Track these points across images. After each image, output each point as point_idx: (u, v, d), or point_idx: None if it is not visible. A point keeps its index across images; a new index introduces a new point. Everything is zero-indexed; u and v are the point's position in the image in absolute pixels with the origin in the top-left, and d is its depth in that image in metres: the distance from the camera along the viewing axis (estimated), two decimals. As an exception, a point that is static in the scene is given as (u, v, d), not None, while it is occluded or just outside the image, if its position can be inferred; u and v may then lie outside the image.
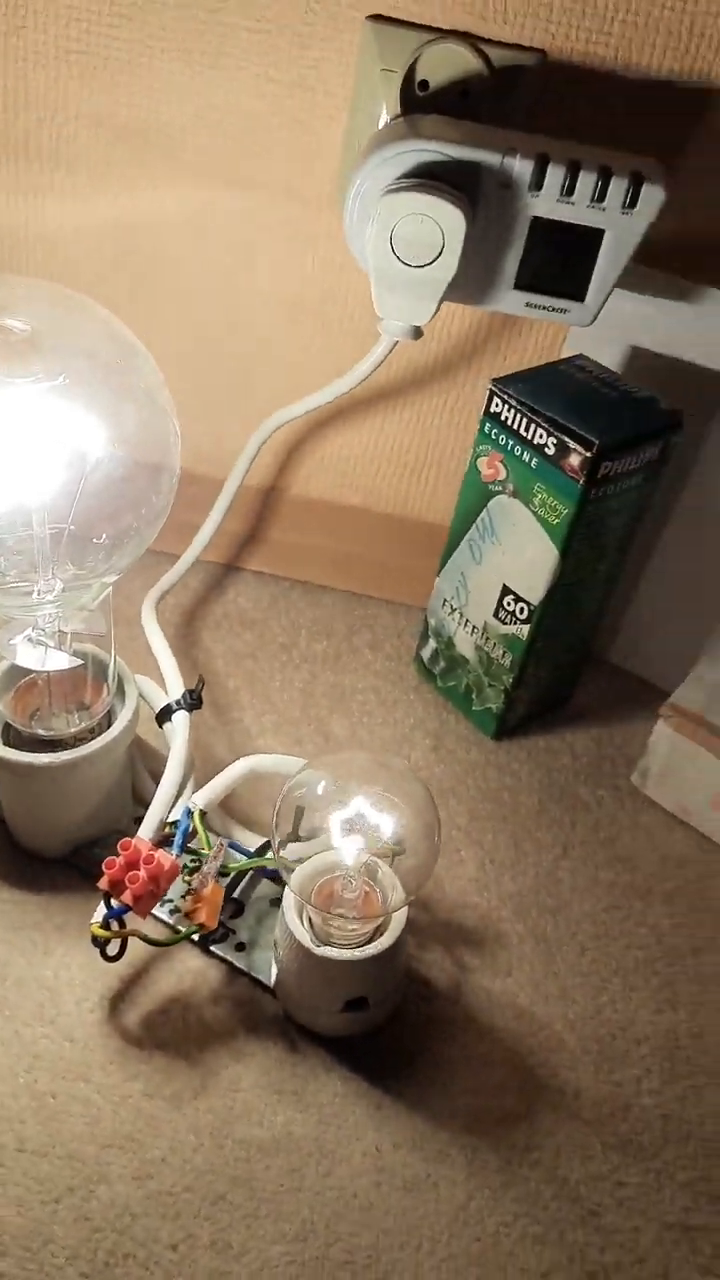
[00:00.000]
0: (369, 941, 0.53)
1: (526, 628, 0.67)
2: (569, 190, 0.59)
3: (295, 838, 0.55)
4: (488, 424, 0.65)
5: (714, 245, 0.67)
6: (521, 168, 0.58)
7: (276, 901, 0.60)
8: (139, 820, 0.62)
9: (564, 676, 0.75)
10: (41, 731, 0.58)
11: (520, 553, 0.65)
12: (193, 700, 0.60)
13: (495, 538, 0.67)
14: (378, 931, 0.53)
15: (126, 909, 0.53)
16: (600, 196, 0.59)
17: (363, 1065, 0.55)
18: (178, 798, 0.58)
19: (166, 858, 0.53)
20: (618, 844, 0.68)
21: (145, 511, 0.52)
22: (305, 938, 0.52)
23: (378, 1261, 0.49)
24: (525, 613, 0.67)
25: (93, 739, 0.57)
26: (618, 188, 0.58)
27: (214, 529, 0.74)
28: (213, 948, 0.58)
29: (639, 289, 0.66)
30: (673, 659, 0.74)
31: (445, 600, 0.72)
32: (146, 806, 0.63)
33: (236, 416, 0.75)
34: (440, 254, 0.59)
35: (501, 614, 0.68)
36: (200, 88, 0.64)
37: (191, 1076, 0.54)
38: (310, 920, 0.54)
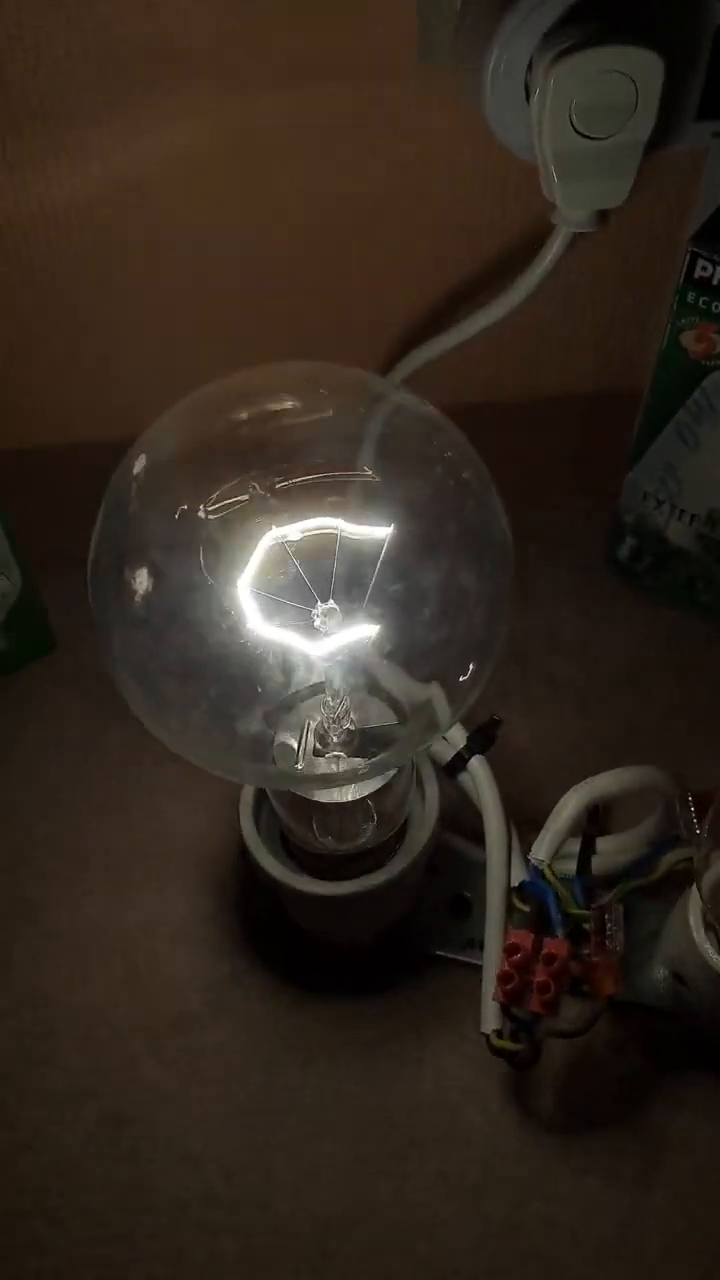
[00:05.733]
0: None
1: (771, 505, 0.58)
2: (764, -21, 0.45)
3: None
4: (691, 292, 0.53)
5: None
6: (706, -32, 0.45)
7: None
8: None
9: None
10: (333, 842, 0.48)
11: (757, 428, 0.55)
12: (486, 740, 0.51)
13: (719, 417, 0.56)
14: None
15: (538, 1018, 0.45)
16: None
17: None
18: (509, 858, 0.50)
19: (558, 945, 0.45)
20: None
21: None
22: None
23: None
24: (768, 491, 0.57)
25: (396, 847, 0.48)
26: None
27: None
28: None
29: None
30: None
31: (646, 494, 0.62)
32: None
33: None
34: (635, 112, 0.45)
35: (734, 497, 0.59)
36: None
37: (641, 1146, 0.48)
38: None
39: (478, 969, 0.50)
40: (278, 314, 0.61)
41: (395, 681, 0.45)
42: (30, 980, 0.52)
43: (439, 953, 0.53)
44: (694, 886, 0.48)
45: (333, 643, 0.38)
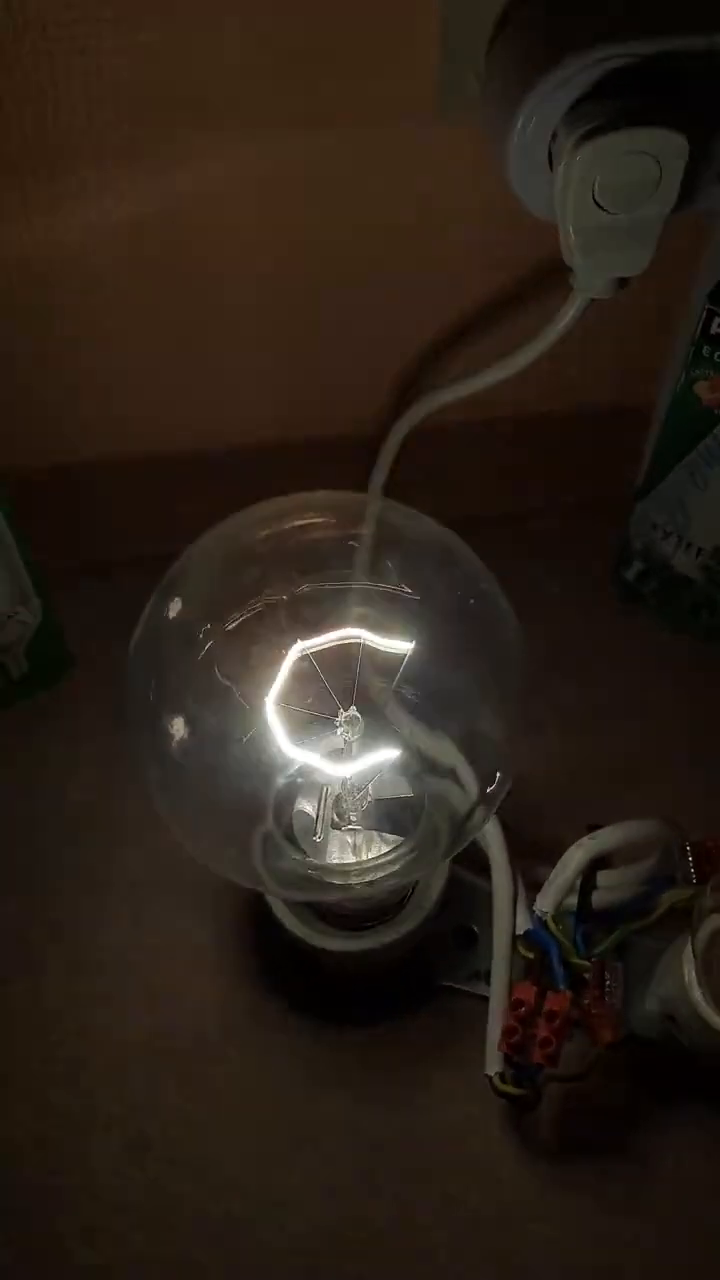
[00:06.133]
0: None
1: (778, 550, 0.59)
2: None
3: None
4: (706, 347, 0.53)
5: None
6: (737, 42, 0.44)
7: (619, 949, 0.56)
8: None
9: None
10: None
11: (767, 478, 0.56)
12: (495, 794, 0.53)
13: (729, 465, 0.57)
14: None
15: (539, 1067, 0.48)
16: None
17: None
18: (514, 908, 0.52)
19: (559, 1000, 0.48)
20: None
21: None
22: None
23: None
24: (775, 536, 0.58)
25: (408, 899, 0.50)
26: None
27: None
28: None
29: None
30: None
31: (655, 524, 0.63)
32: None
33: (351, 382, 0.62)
34: (658, 189, 0.45)
35: (742, 538, 0.60)
36: (240, 13, 0.47)
37: (629, 1171, 0.51)
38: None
39: (483, 1000, 0.52)
40: (291, 348, 0.61)
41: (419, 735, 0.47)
42: (56, 1004, 0.55)
43: (445, 983, 0.56)
44: (690, 940, 0.50)
45: (357, 765, 0.39)
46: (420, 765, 0.47)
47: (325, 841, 0.46)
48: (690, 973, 0.50)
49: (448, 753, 0.47)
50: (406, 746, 0.42)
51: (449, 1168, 0.52)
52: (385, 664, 0.39)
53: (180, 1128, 0.52)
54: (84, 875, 0.59)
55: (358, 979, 0.56)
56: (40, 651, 0.62)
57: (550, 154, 0.46)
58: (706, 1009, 0.49)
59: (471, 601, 0.40)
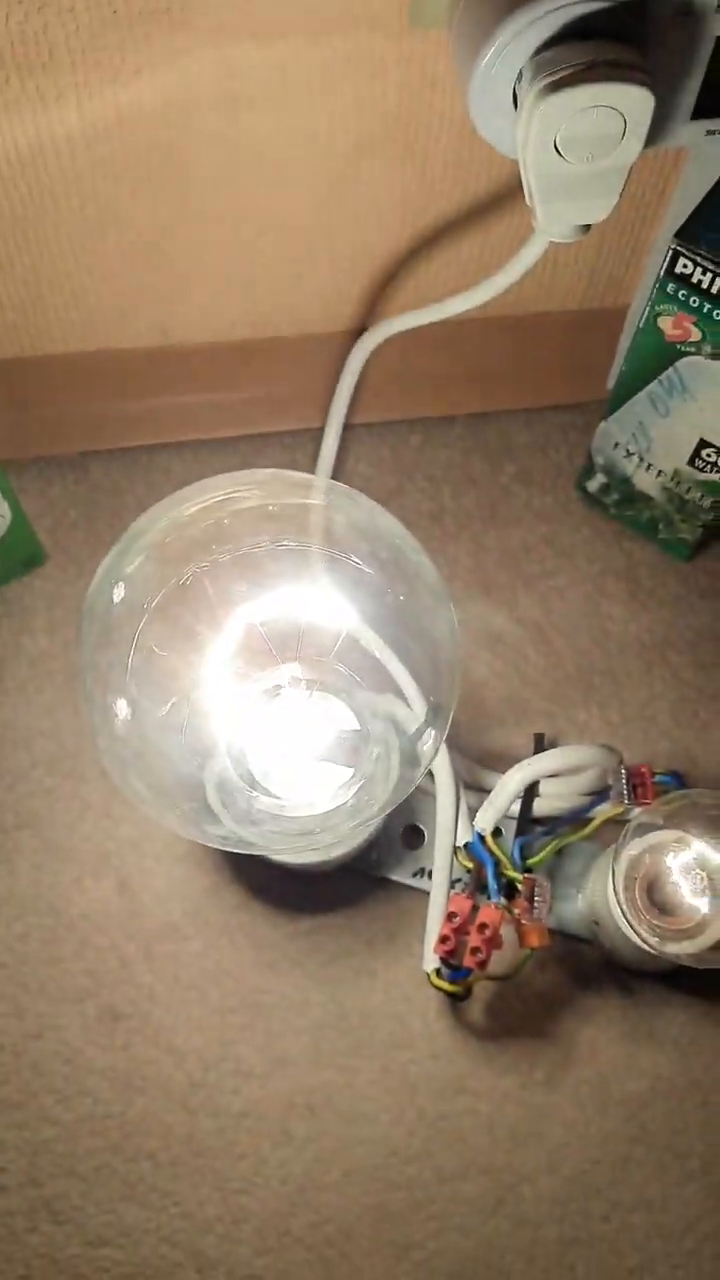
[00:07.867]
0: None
1: (732, 476, 0.60)
2: (771, -7, 0.43)
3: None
4: (671, 284, 0.53)
5: None
6: (710, -15, 0.42)
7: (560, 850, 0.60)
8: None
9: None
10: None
11: (723, 411, 0.57)
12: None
13: (688, 395, 0.57)
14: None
15: (472, 970, 0.53)
16: None
17: (694, 988, 0.58)
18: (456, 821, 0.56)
19: (492, 913, 0.52)
20: None
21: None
22: (645, 945, 0.53)
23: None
24: (731, 464, 0.59)
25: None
26: None
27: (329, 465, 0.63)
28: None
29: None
30: None
31: (618, 443, 0.64)
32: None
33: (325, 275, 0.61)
34: (622, 140, 0.44)
35: (699, 463, 0.61)
36: None
37: (553, 1053, 0.57)
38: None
39: (426, 894, 0.57)
40: (260, 253, 0.60)
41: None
42: (34, 889, 0.60)
43: (392, 878, 0.60)
44: (614, 859, 0.54)
45: (303, 741, 0.42)
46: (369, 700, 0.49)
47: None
48: (613, 891, 0.54)
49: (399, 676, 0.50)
50: (351, 705, 0.45)
51: (389, 1044, 0.57)
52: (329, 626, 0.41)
53: (147, 1001, 0.58)
54: (57, 765, 0.62)
55: (311, 872, 0.60)
56: (10, 552, 0.64)
57: (515, 94, 0.45)
58: (624, 923, 0.53)
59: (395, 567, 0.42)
